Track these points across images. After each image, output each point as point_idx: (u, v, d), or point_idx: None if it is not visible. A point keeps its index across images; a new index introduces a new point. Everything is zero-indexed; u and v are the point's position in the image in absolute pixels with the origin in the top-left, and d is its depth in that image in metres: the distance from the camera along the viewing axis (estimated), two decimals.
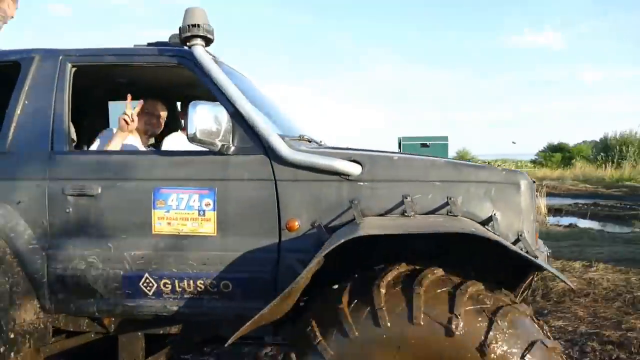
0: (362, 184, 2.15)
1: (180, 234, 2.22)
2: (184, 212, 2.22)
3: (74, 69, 2.47)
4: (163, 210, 2.23)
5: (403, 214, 2.09)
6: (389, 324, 1.69)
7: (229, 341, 1.89)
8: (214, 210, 2.20)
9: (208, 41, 2.33)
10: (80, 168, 2.32)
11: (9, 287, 2.21)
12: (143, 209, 2.24)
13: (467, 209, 2.11)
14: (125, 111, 2.53)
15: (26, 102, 2.42)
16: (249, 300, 2.22)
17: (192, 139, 2.08)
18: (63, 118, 2.40)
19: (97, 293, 2.30)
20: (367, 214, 2.12)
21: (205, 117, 2.08)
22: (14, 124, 2.39)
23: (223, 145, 2.17)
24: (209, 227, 2.21)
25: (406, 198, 2.10)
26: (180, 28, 2.30)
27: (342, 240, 1.76)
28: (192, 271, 2.21)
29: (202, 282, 2.22)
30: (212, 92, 2.33)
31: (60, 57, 2.47)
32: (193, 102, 2.11)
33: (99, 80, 3.03)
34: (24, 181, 2.32)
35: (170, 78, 2.95)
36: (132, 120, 2.54)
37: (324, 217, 2.15)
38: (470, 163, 2.43)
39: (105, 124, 3.53)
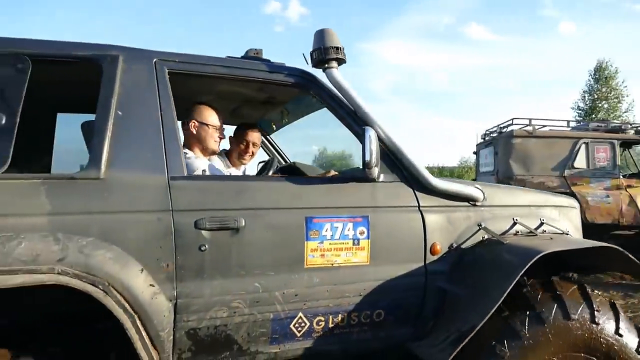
0: (483, 208, 2.43)
1: (334, 265, 2.09)
2: (338, 242, 2.09)
3: (169, 77, 2.05)
4: (317, 241, 2.06)
5: (516, 233, 2.45)
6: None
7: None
8: (368, 238, 2.14)
9: (340, 63, 2.26)
10: (216, 196, 1.94)
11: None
12: (295, 241, 2.02)
13: (552, 227, 2.59)
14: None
15: (119, 113, 1.89)
16: (398, 326, 2.22)
17: (369, 165, 2.03)
18: (176, 135, 1.97)
19: (236, 344, 1.96)
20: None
21: (376, 144, 2.05)
22: (107, 142, 1.84)
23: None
24: (362, 256, 2.14)
25: (516, 220, 2.47)
26: (317, 49, 2.18)
27: (540, 255, 2.02)
28: (348, 304, 2.10)
29: (356, 314, 2.13)
30: (342, 117, 2.26)
31: (155, 60, 2.02)
32: (366, 127, 2.06)
33: (187, 92, 2.52)
34: (136, 215, 1.82)
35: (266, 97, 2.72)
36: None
37: (458, 240, 2.33)
38: (544, 191, 2.94)
39: None
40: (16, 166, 2.40)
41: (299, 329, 2.04)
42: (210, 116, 2.50)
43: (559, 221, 2.64)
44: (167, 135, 1.94)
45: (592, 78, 33.45)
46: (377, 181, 2.20)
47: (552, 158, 7.52)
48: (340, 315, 2.10)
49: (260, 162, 3.35)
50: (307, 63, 2.32)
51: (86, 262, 1.68)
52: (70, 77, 2.21)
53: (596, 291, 2.22)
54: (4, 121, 1.73)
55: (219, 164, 2.75)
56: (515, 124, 7.92)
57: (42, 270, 1.54)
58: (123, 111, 1.90)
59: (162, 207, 1.85)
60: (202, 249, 1.87)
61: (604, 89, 32.84)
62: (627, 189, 7.46)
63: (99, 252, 1.72)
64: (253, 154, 2.99)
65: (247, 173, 3.07)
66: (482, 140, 8.97)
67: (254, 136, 2.98)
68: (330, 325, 2.09)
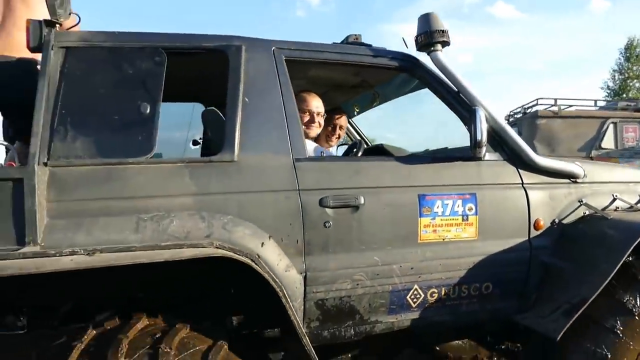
0: (584, 185, 2.46)
1: (445, 240, 2.19)
2: (449, 218, 2.19)
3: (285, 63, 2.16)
4: (429, 217, 2.15)
5: (616, 209, 2.48)
6: None
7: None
8: (476, 214, 2.23)
9: (444, 45, 2.32)
10: (338, 176, 2.06)
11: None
12: (409, 218, 2.13)
13: None
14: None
15: (246, 99, 2.02)
16: (504, 299, 2.31)
17: (480, 144, 2.10)
18: (297, 119, 2.09)
19: (358, 314, 2.09)
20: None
21: (485, 123, 2.12)
22: (238, 128, 1.98)
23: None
24: (471, 232, 2.22)
25: (616, 196, 2.50)
26: (423, 33, 2.25)
27: None
28: (459, 277, 2.20)
29: (466, 286, 2.22)
30: (446, 98, 2.33)
31: (273, 49, 2.14)
32: (475, 107, 2.13)
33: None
34: (268, 194, 1.95)
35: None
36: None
37: (560, 215, 2.38)
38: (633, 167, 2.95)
39: None
40: None
41: (415, 300, 2.16)
42: (302, 101, 2.57)
43: None
44: (289, 119, 2.07)
45: (623, 56, 31.97)
46: (483, 160, 2.27)
47: (579, 138, 7.36)
48: (451, 287, 2.20)
49: (339, 145, 3.46)
50: (406, 47, 2.40)
51: (230, 238, 1.82)
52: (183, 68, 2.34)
53: None
54: (148, 110, 1.88)
55: (310, 147, 2.86)
56: (540, 104, 7.74)
57: (204, 244, 1.69)
58: (249, 98, 2.03)
59: (290, 187, 1.98)
60: (327, 225, 2.00)
61: (634, 68, 31.34)
62: None
63: (239, 228, 1.86)
64: (339, 136, 3.09)
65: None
66: (507, 122, 8.80)
67: (341, 120, 3.08)
68: (443, 297, 2.20)
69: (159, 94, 1.89)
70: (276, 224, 1.94)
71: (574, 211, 2.41)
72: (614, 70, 32.22)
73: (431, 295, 2.18)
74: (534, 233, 2.32)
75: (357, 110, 3.26)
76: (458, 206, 2.20)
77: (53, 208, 1.70)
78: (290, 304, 1.78)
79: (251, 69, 2.06)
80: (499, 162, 2.32)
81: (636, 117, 7.44)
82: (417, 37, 2.29)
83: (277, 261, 1.91)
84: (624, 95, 27.18)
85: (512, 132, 2.33)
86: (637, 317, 2.10)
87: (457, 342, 3.30)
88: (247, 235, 1.87)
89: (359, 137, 3.68)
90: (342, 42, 2.42)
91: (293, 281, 1.94)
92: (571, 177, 2.43)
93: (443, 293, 2.19)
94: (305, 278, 1.97)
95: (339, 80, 2.94)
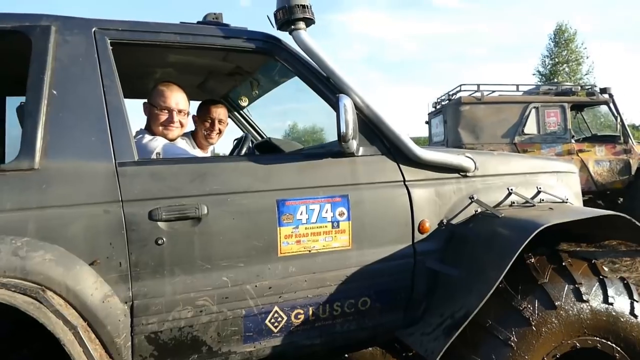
0: (475, 179, 2.21)
1: (312, 252, 1.87)
2: (315, 226, 1.88)
3: (111, 48, 1.78)
4: (291, 226, 1.83)
5: (512, 204, 2.25)
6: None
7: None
8: (349, 220, 1.92)
9: (308, 23, 2.00)
10: (172, 182, 1.70)
11: None
12: (266, 228, 1.80)
13: (549, 196, 2.38)
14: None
15: (54, 92, 1.63)
16: (386, 313, 2.03)
17: (344, 138, 1.79)
18: (123, 114, 1.72)
19: (205, 346, 1.75)
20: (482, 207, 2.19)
21: (352, 113, 1.81)
22: (41, 127, 1.59)
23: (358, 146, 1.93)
24: (343, 240, 1.92)
25: (511, 190, 2.26)
26: (281, 9, 1.92)
27: (541, 228, 1.82)
28: (329, 293, 1.89)
29: (339, 304, 1.93)
30: (313, 84, 2.01)
31: (94, 30, 1.75)
32: (340, 95, 1.82)
33: (136, 65, 2.26)
34: (80, 208, 1.58)
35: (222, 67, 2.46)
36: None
37: (448, 215, 2.12)
38: (541, 157, 2.73)
39: None
40: None
41: (275, 324, 1.84)
42: (158, 96, 2.22)
43: (557, 188, 2.44)
44: (112, 115, 1.69)
45: (552, 41, 32.95)
46: (356, 155, 1.97)
47: (502, 124, 7.22)
48: (321, 306, 1.89)
49: (234, 140, 3.10)
50: (273, 26, 2.06)
51: (23, 266, 1.45)
52: (9, 55, 1.93)
53: (605, 267, 2.04)
54: None
55: (184, 146, 2.50)
56: (464, 90, 7.58)
57: None
58: (58, 90, 1.64)
59: (109, 198, 1.61)
60: (160, 242, 1.64)
61: (564, 53, 32.33)
62: (579, 154, 7.20)
63: (38, 253, 1.49)
64: (220, 131, 2.72)
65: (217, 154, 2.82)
66: (433, 109, 8.71)
67: (219, 112, 2.71)
68: (311, 317, 1.89)
69: None
70: (92, 244, 1.57)
71: (464, 209, 2.15)
72: (544, 56, 33.15)
73: (296, 317, 1.87)
74: (418, 237, 2.05)
75: (243, 101, 2.90)
76: (326, 211, 1.89)
77: None
78: (89, 346, 1.41)
79: (62, 55, 1.67)
80: (376, 158, 2.03)
81: (557, 101, 7.38)
82: (275, 13, 1.95)
83: (90, 290, 1.54)
84: (554, 80, 27.98)
85: (390, 123, 2.03)
86: (534, 328, 1.86)
87: (368, 350, 3.06)
88: (48, 260, 1.49)
89: (254, 132, 3.32)
90: (199, 22, 2.05)
91: (114, 313, 1.58)
92: (461, 170, 2.17)
93: (311, 313, 1.89)
94: (132, 308, 1.62)
95: (212, 67, 2.57)
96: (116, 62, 2.21)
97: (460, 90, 7.60)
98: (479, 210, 2.15)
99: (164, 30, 1.86)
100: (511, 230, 1.93)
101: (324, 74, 1.99)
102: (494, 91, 7.58)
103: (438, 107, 8.36)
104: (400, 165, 2.05)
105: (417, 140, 2.36)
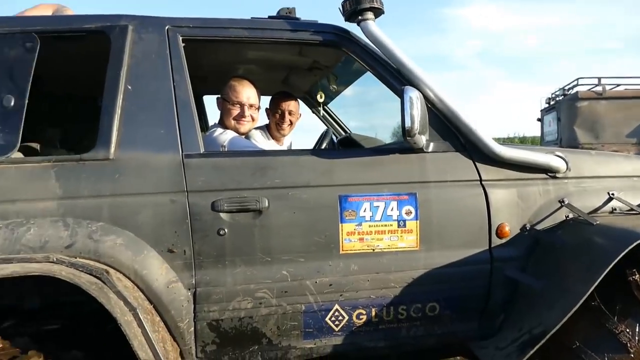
0: (567, 181, 1.98)
1: (376, 250, 1.80)
2: (380, 224, 1.80)
3: (183, 45, 1.85)
4: (353, 223, 1.78)
5: (612, 211, 1.98)
6: None
7: None
8: (417, 219, 1.82)
9: (377, 14, 1.92)
10: (234, 175, 1.74)
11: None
12: (327, 224, 1.76)
13: None
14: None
15: (129, 87, 1.74)
16: (457, 322, 1.89)
17: (409, 133, 1.70)
18: (190, 108, 1.78)
19: (265, 338, 1.76)
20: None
21: (419, 107, 1.71)
22: (116, 121, 1.70)
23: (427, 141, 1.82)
24: (410, 240, 1.82)
25: (612, 194, 1.99)
26: (347, 1, 1.87)
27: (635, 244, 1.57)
28: (393, 295, 1.81)
29: (404, 307, 1.83)
30: (383, 77, 1.93)
31: (167, 27, 1.83)
32: (405, 87, 1.73)
33: (208, 62, 2.38)
34: (148, 197, 1.67)
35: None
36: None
37: (532, 219, 1.92)
38: None
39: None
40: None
41: (336, 322, 1.80)
42: (231, 91, 2.26)
43: None
44: (180, 109, 1.76)
45: None
46: (426, 151, 1.86)
47: (628, 122, 6.36)
48: (384, 308, 1.81)
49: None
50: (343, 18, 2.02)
51: (96, 249, 1.57)
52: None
53: None
54: (12, 103, 1.65)
55: (259, 138, 2.54)
56: (582, 85, 6.77)
57: (38, 259, 1.44)
58: (133, 86, 1.75)
59: (175, 188, 1.68)
60: (221, 233, 1.68)
61: None
62: None
63: (110, 237, 1.60)
64: (291, 123, 2.70)
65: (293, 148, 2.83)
66: (547, 105, 7.87)
67: (288, 104, 2.69)
68: (374, 319, 1.82)
69: (27, 84, 1.66)
70: (158, 231, 1.65)
71: (552, 214, 1.94)
72: None
73: (358, 317, 1.81)
74: (496, 241, 1.88)
75: (322, 96, 2.88)
76: (392, 209, 1.81)
77: None
78: (141, 332, 1.48)
79: (137, 52, 1.78)
80: (449, 155, 1.89)
81: None
82: (343, 3, 1.91)
83: (156, 275, 1.62)
84: None
85: (467, 117, 1.88)
86: (632, 356, 1.62)
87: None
88: (119, 245, 1.60)
89: (339, 127, 3.30)
90: (270, 17, 2.07)
91: (177, 298, 1.65)
92: (549, 171, 1.95)
93: (373, 314, 1.81)
94: (194, 295, 1.67)
95: (289, 62, 2.59)
96: (201, 59, 2.31)
97: (577, 85, 6.90)
98: (570, 215, 1.92)
99: (233, 25, 1.90)
100: (606, 240, 1.70)
101: (394, 66, 1.91)
102: (618, 85, 6.77)
103: (552, 103, 7.68)
104: (477, 163, 1.90)
105: (525, 140, 2.16)
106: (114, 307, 1.42)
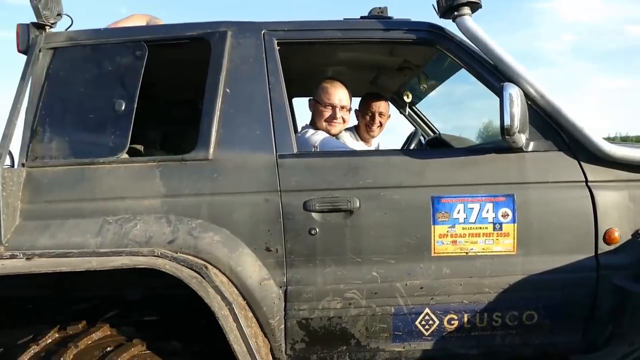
0: None
1: (469, 254, 1.74)
2: (474, 227, 1.73)
3: (278, 48, 1.90)
4: (446, 225, 1.73)
5: None
6: None
7: None
8: (514, 222, 1.73)
9: (474, 9, 1.85)
10: (326, 175, 1.75)
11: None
12: (419, 225, 1.73)
13: None
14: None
15: (227, 90, 1.81)
16: (557, 332, 1.78)
17: (509, 132, 1.62)
18: (284, 110, 1.83)
19: (353, 338, 1.76)
20: None
21: (519, 104, 1.62)
22: (215, 124, 1.78)
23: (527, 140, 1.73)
24: (507, 244, 1.74)
25: None
26: None
27: None
28: (487, 301, 1.73)
29: (499, 314, 1.75)
30: (480, 74, 1.86)
31: (263, 32, 1.89)
32: (504, 83, 1.65)
33: (299, 65, 2.43)
34: (244, 196, 1.73)
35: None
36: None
37: None
38: None
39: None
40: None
41: (427, 327, 1.75)
42: (323, 93, 2.26)
43: None
44: (275, 111, 1.81)
45: None
46: (526, 150, 1.76)
47: None
48: (477, 314, 1.74)
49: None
50: (437, 15, 1.97)
51: (195, 245, 1.65)
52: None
53: None
54: (123, 107, 1.78)
55: (348, 140, 2.54)
56: None
57: (144, 252, 1.54)
58: (231, 89, 1.82)
59: (269, 188, 1.73)
60: (313, 232, 1.71)
61: None
62: None
63: (208, 234, 1.68)
64: (381, 124, 2.65)
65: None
66: None
67: (379, 105, 2.63)
68: (466, 325, 1.75)
69: (136, 89, 1.79)
70: (253, 229, 1.71)
71: None
72: None
73: (449, 322, 1.75)
74: (603, 248, 1.74)
75: (409, 96, 2.82)
76: (487, 211, 1.73)
77: (27, 209, 1.70)
78: (236, 327, 1.53)
79: (235, 57, 1.85)
80: (551, 154, 1.78)
81: None
82: (438, 0, 1.86)
83: (249, 272, 1.68)
84: None
85: (571, 114, 1.76)
86: None
87: None
88: (216, 241, 1.67)
89: (427, 127, 3.22)
90: (362, 17, 2.07)
91: (269, 295, 1.69)
92: None
93: (466, 320, 1.75)
94: (285, 293, 1.71)
95: (380, 62, 2.57)
96: (293, 62, 2.37)
97: None
98: None
99: (326, 27, 1.92)
100: None
101: (491, 62, 1.83)
102: None
103: None
104: (582, 163, 1.77)
105: (628, 139, 1.99)
106: (212, 301, 1.48)
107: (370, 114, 2.61)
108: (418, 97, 3.03)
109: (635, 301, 1.70)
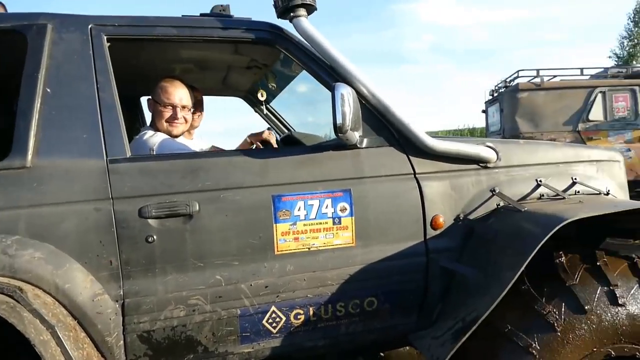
0: (498, 170, 2.02)
1: (312, 249, 1.79)
2: (315, 222, 1.79)
3: (108, 45, 1.77)
4: (288, 222, 1.76)
5: (540, 197, 2.04)
6: None
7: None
8: (352, 215, 1.82)
9: (310, 10, 1.90)
10: (163, 179, 1.68)
11: None
12: (261, 225, 1.73)
13: (586, 187, 2.14)
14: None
15: (47, 90, 1.65)
16: (397, 315, 1.91)
17: (341, 130, 1.69)
18: (115, 111, 1.71)
19: (200, 345, 1.72)
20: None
21: (350, 103, 1.70)
22: (33, 127, 1.61)
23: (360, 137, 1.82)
24: (346, 237, 1.82)
25: (540, 181, 2.05)
26: None
27: (564, 223, 1.61)
28: (331, 293, 1.80)
29: (342, 304, 1.83)
30: (317, 74, 1.92)
31: (90, 26, 1.75)
32: (335, 84, 1.71)
33: (140, 63, 2.29)
34: (71, 206, 1.58)
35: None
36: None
37: (465, 210, 1.96)
38: (579, 144, 2.50)
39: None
40: None
41: (274, 324, 1.77)
42: (162, 92, 2.16)
43: (597, 179, 2.18)
44: (105, 112, 1.68)
45: (632, 21, 29.94)
46: (360, 147, 1.86)
47: (564, 111, 6.71)
48: (322, 306, 1.80)
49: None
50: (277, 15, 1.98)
51: (11, 264, 1.47)
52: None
53: None
54: None
55: (182, 140, 2.44)
56: (522, 77, 7.10)
57: None
58: (52, 88, 1.65)
59: (100, 195, 1.61)
60: (150, 240, 1.62)
61: None
62: None
63: (27, 251, 1.51)
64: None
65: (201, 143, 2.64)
66: (490, 97, 8.19)
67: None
68: (312, 318, 1.80)
69: None
70: (82, 242, 1.57)
71: (484, 203, 1.98)
72: (622, 37, 30.41)
73: (296, 318, 1.79)
74: (431, 233, 1.90)
75: (263, 95, 2.83)
76: (327, 207, 1.80)
77: None
78: (60, 351, 1.40)
79: (57, 53, 1.69)
80: (383, 149, 1.90)
81: (626, 85, 6.74)
82: (275, 0, 1.87)
83: (79, 289, 1.54)
84: (634, 63, 25.59)
85: (399, 112, 1.89)
86: (559, 334, 1.67)
87: (403, 349, 2.93)
88: (37, 258, 1.51)
89: (282, 126, 3.26)
90: (202, 14, 2.01)
91: (104, 311, 1.58)
92: (480, 161, 1.99)
93: (311, 314, 1.80)
94: (123, 306, 1.61)
95: (226, 61, 2.53)
96: (134, 60, 2.21)
97: (517, 77, 7.15)
98: (501, 204, 1.97)
99: (161, 24, 1.84)
100: (532, 226, 1.74)
101: (327, 63, 1.89)
102: (555, 76, 7.06)
103: (495, 95, 7.94)
104: (410, 157, 1.91)
105: (474, 131, 2.19)
106: (27, 327, 1.34)
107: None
108: (272, 95, 3.05)
109: (458, 280, 1.89)
